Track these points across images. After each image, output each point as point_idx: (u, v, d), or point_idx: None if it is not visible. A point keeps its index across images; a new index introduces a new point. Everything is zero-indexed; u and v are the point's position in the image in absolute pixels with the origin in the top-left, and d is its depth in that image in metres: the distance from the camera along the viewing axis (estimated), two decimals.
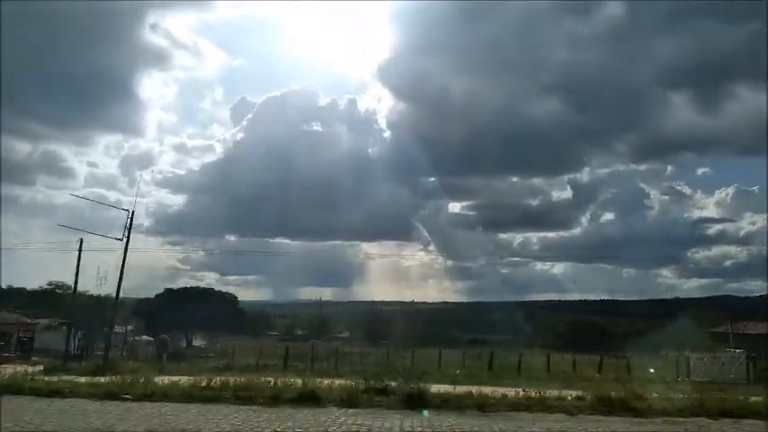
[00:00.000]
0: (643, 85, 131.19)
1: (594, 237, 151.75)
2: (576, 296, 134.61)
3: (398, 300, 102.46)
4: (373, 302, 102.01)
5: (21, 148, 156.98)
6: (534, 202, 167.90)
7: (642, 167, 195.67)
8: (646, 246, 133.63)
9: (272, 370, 24.88)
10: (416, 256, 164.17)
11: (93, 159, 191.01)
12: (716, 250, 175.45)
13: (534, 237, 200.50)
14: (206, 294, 68.56)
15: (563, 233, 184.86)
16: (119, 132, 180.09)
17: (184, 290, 69.25)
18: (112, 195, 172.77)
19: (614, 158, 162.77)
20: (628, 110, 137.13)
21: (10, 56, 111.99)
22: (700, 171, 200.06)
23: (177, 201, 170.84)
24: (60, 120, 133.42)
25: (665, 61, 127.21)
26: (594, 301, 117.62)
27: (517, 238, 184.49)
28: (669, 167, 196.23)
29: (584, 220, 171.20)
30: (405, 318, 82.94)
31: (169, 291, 68.03)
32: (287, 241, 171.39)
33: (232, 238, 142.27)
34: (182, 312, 56.45)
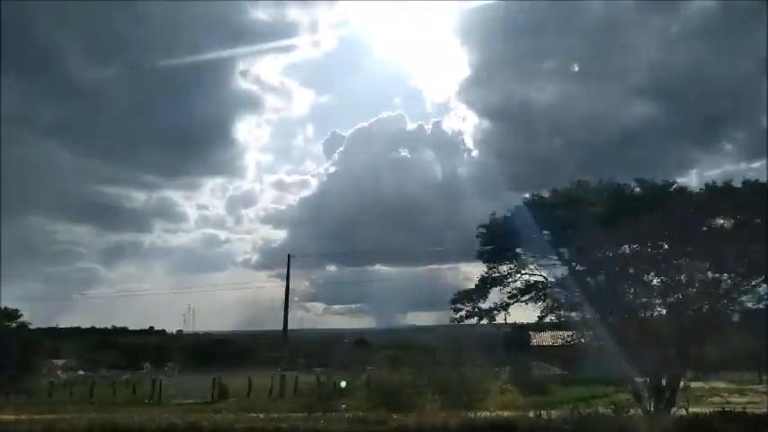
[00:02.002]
0: (744, 79, 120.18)
1: None
2: None
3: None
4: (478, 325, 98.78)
5: (138, 197, 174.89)
6: None
7: (756, 165, 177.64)
8: None
9: None
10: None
11: (201, 202, 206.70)
12: None
13: None
14: None
15: None
16: (222, 175, 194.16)
17: None
18: (222, 234, 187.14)
19: (724, 159, 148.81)
20: (731, 106, 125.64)
21: (116, 114, 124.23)
22: None
23: (280, 235, 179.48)
24: (169, 168, 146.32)
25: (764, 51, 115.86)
26: None
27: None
28: None
29: None
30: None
31: None
32: (386, 268, 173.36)
33: (333, 267, 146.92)
34: None
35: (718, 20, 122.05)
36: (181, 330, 78.06)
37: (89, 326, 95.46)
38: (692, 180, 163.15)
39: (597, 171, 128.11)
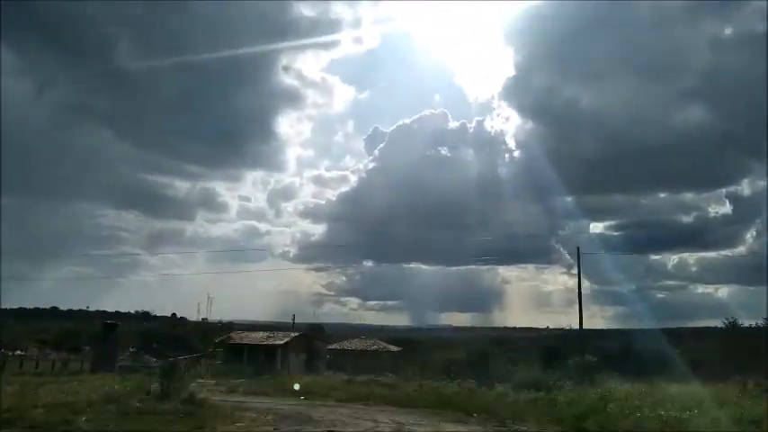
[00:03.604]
0: None
1: (763, 255, 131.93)
2: (748, 322, 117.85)
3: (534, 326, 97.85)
4: (506, 329, 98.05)
5: (181, 186, 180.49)
6: (688, 219, 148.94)
7: None
8: None
9: None
10: (558, 279, 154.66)
11: (243, 194, 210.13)
12: None
13: (691, 257, 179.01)
14: None
15: (725, 252, 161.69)
16: (263, 169, 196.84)
17: None
18: (262, 226, 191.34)
19: None
20: None
21: (162, 104, 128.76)
22: None
23: (318, 230, 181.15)
24: (212, 160, 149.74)
25: None
26: None
27: (672, 258, 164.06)
28: None
29: (750, 237, 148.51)
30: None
31: None
32: (423, 266, 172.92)
33: (369, 263, 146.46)
34: None
35: None
36: (205, 318, 78.55)
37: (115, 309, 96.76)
38: (744, 189, 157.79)
39: (643, 177, 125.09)
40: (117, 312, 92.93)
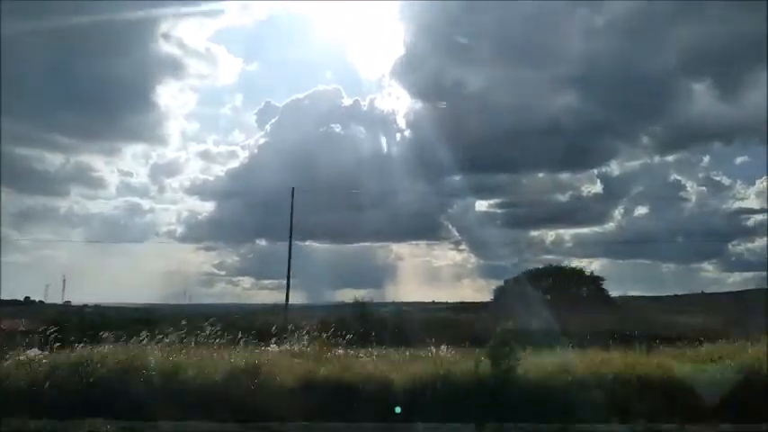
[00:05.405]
0: (663, 73, 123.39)
1: (630, 231, 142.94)
2: (617, 293, 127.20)
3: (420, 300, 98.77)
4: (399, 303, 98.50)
5: (53, 161, 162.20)
6: (564, 198, 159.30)
7: (671, 158, 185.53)
8: (684, 239, 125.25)
9: None
10: (448, 255, 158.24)
11: (122, 168, 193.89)
12: (759, 242, 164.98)
13: (567, 233, 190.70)
14: None
15: (596, 228, 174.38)
16: (144, 142, 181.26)
17: None
18: (145, 203, 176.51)
19: (641, 151, 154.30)
20: (649, 101, 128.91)
21: (30, 72, 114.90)
22: (739, 160, 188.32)
23: (207, 207, 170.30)
24: (87, 131, 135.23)
25: (685, 48, 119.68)
26: (638, 297, 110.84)
27: (549, 234, 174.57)
28: (706, 158, 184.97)
29: (618, 214, 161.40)
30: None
31: None
32: (316, 244, 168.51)
33: (263, 242, 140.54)
34: None
35: (642, 15, 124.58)
36: (68, 302, 70.19)
37: None
38: (613, 170, 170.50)
39: (524, 158, 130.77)
40: None
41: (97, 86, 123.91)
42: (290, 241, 37.10)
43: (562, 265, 55.59)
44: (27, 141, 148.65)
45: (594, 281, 50.54)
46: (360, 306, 34.04)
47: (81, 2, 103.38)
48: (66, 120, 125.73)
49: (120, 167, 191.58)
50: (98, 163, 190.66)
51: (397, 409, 9.62)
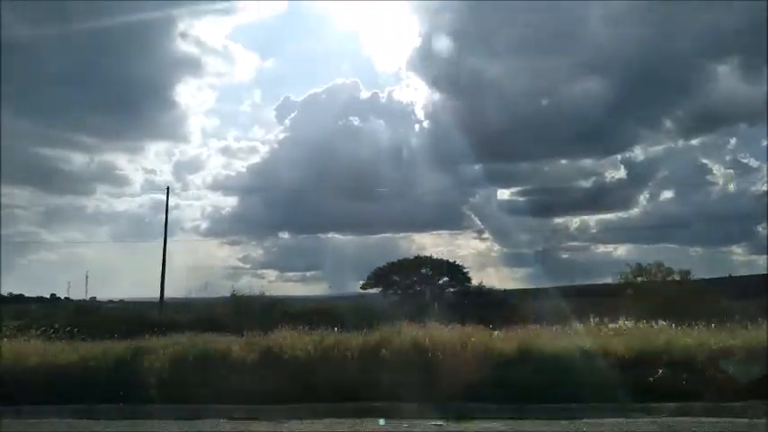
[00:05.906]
0: (686, 56, 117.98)
1: (656, 216, 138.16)
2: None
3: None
4: None
5: (78, 160, 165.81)
6: (587, 184, 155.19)
7: (695, 142, 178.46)
8: (713, 222, 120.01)
9: None
10: (471, 244, 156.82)
11: (146, 166, 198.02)
12: None
13: (591, 219, 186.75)
14: None
15: (621, 214, 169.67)
16: (166, 140, 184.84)
17: None
18: (170, 200, 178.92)
19: (664, 136, 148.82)
20: (672, 84, 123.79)
21: (54, 74, 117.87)
22: (766, 142, 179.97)
23: (230, 202, 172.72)
24: (110, 131, 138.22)
25: (708, 30, 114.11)
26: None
27: (573, 221, 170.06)
28: (733, 140, 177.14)
29: (643, 199, 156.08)
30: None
31: None
32: (339, 236, 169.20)
33: (285, 235, 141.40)
34: None
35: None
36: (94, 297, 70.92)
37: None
38: (637, 155, 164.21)
39: (545, 146, 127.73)
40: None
41: (119, 87, 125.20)
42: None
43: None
44: (52, 142, 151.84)
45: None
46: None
47: (100, 2, 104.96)
48: (90, 120, 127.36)
49: (144, 165, 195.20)
50: (122, 161, 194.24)
51: None
